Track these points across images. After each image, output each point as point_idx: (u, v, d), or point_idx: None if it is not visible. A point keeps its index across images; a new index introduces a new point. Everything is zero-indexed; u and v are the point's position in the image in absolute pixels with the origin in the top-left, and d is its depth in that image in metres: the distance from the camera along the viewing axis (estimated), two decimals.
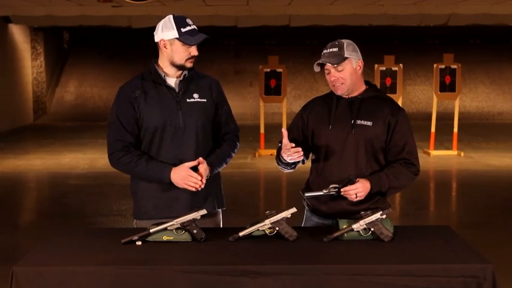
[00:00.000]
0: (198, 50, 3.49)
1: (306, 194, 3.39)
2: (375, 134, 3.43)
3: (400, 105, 12.99)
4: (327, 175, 3.49)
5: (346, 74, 3.43)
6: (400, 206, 8.98)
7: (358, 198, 3.32)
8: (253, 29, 17.57)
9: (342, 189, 3.31)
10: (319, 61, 3.43)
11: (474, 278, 2.77)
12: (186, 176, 3.36)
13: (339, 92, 3.48)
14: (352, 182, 3.30)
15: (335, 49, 3.43)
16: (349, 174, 3.36)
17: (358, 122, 3.44)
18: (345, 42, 3.46)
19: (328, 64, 3.42)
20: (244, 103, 19.45)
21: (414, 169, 3.48)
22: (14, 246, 6.66)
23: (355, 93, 3.51)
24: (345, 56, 3.42)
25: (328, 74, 3.47)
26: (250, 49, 20.44)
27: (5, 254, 6.23)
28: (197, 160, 3.41)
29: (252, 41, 20.36)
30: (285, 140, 3.39)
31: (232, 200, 8.55)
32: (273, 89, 12.56)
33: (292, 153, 3.36)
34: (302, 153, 3.38)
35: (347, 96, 3.51)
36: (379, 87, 12.72)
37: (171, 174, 3.38)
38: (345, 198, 3.36)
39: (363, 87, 3.55)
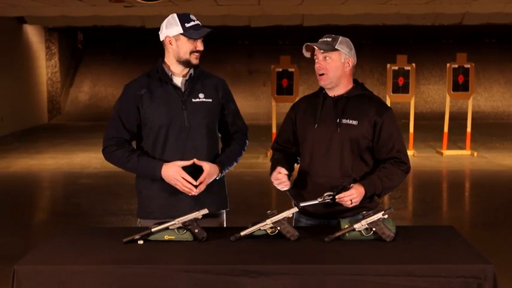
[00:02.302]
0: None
1: (301, 204, 3.34)
2: (360, 134, 3.41)
3: (413, 105, 12.92)
4: (313, 175, 3.49)
5: (331, 65, 3.41)
6: (412, 206, 8.95)
7: (353, 204, 3.31)
8: (266, 29, 17.55)
9: (336, 197, 3.29)
10: (308, 43, 3.43)
11: (475, 278, 2.75)
12: (175, 175, 3.36)
13: (321, 83, 3.46)
14: (346, 189, 3.28)
15: (328, 39, 3.43)
16: (334, 173, 3.40)
17: (344, 121, 3.42)
18: (341, 37, 3.46)
19: (319, 50, 3.41)
20: (257, 103, 19.45)
21: (405, 167, 3.47)
22: (26, 244, 6.69)
23: (341, 92, 3.49)
24: (336, 47, 3.41)
25: (316, 60, 3.46)
26: (263, 49, 20.43)
27: (16, 253, 6.27)
28: (192, 160, 3.41)
29: (265, 41, 20.35)
30: (276, 175, 3.44)
31: (242, 199, 8.59)
32: (285, 88, 12.54)
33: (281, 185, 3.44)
34: (287, 184, 3.43)
35: (333, 95, 3.49)
36: (391, 87, 12.57)
37: (162, 170, 3.39)
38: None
39: (350, 86, 3.52)
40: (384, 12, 14.72)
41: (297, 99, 13.96)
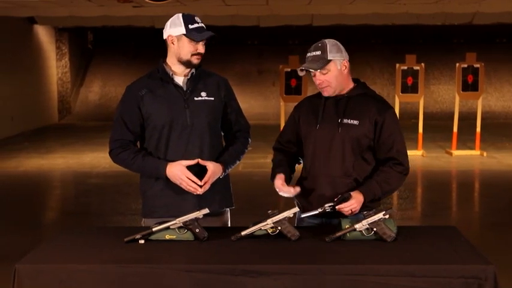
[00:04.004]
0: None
1: (302, 215, 3.35)
2: (361, 133, 3.42)
3: (422, 104, 12.84)
4: (314, 174, 3.49)
5: (331, 77, 3.39)
6: (421, 206, 8.92)
7: (353, 213, 3.32)
8: (275, 29, 17.54)
9: (336, 207, 3.30)
10: (302, 67, 3.40)
11: (475, 278, 2.74)
12: (180, 174, 3.38)
13: (325, 94, 3.46)
14: (346, 200, 3.29)
15: (318, 52, 3.38)
16: (335, 172, 3.42)
17: (345, 121, 3.43)
18: (328, 43, 3.41)
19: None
20: (266, 103, 19.45)
21: (402, 168, 3.46)
22: (35, 244, 6.72)
23: (343, 92, 3.49)
24: (328, 58, 3.37)
25: (313, 76, 3.44)
26: (273, 49, 20.42)
27: (25, 252, 6.29)
28: (196, 160, 3.42)
29: (275, 41, 20.34)
30: (278, 183, 3.45)
31: (250, 198, 8.59)
32: (293, 88, 12.53)
33: (285, 192, 3.43)
34: (294, 192, 3.43)
35: (334, 95, 3.49)
36: (400, 86, 12.49)
37: (167, 169, 3.41)
38: (330, 197, 3.37)
39: (351, 85, 3.52)
40: (393, 11, 14.67)
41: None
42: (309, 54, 3.42)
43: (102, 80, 20.90)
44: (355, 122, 3.42)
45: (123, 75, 20.57)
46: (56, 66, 19.51)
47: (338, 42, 3.46)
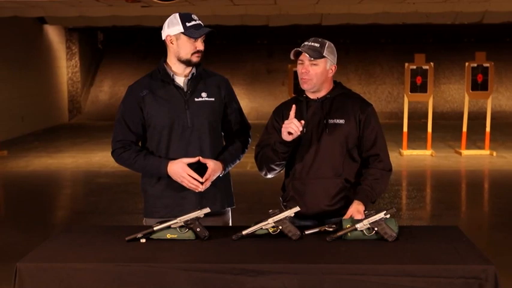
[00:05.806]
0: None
1: (306, 232, 3.27)
2: (348, 131, 3.46)
3: (431, 104, 12.76)
4: (305, 177, 3.50)
5: (317, 72, 3.42)
6: (430, 206, 8.88)
7: None
8: (285, 28, 17.51)
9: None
10: (299, 49, 3.42)
11: (476, 279, 2.73)
12: (181, 172, 3.38)
13: (304, 86, 3.47)
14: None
15: (316, 44, 3.44)
16: (326, 174, 3.44)
17: (331, 121, 3.46)
18: (327, 42, 3.48)
19: (305, 55, 3.41)
20: (276, 102, 19.16)
21: (383, 165, 3.51)
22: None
23: (323, 93, 3.51)
24: (324, 54, 3.43)
25: (300, 64, 3.45)
26: (282, 48, 20.35)
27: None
28: (197, 158, 3.42)
29: (285, 40, 20.29)
30: (291, 116, 3.33)
31: (257, 198, 8.61)
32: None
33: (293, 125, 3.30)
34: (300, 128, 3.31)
35: (316, 97, 3.50)
36: (409, 86, 12.45)
37: (168, 167, 3.42)
38: (323, 199, 3.44)
39: (331, 87, 3.55)
40: (402, 11, 14.60)
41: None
42: (306, 43, 3.45)
43: (112, 80, 20.94)
44: (341, 121, 3.46)
45: (133, 75, 20.59)
46: (66, 66, 19.58)
47: (333, 47, 3.51)
